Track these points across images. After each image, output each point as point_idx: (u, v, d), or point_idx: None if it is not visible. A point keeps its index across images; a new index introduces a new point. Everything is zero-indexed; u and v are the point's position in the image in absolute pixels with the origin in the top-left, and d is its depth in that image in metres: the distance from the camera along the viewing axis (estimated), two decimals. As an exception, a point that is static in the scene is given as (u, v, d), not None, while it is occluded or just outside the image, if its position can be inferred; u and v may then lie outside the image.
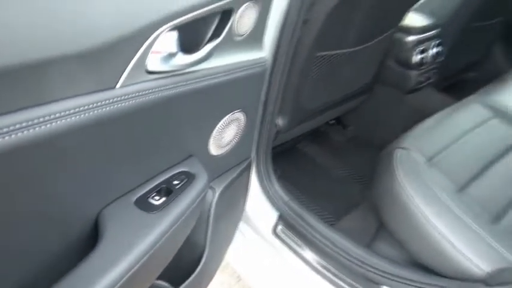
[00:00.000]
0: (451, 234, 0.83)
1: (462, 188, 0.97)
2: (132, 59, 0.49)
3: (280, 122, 1.25)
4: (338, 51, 1.15)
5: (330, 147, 1.67)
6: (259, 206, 1.05)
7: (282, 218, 1.05)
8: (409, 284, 0.81)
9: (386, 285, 0.84)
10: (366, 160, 1.42)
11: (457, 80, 1.92)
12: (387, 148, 1.09)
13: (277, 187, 1.05)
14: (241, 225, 1.14)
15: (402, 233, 0.93)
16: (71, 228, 0.53)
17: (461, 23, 1.50)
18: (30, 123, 0.41)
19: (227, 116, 0.72)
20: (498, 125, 1.19)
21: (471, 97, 1.32)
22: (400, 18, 1.31)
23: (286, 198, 1.05)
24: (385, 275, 0.84)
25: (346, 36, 1.13)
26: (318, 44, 1.07)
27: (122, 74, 0.49)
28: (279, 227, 1.05)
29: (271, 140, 1.06)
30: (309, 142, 1.66)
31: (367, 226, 1.16)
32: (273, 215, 1.06)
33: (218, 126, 0.71)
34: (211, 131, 0.70)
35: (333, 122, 1.73)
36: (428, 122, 1.18)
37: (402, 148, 1.04)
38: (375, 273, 0.85)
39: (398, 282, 0.82)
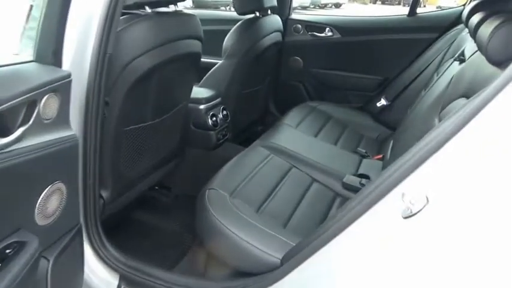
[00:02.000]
0: (254, 241, 1.10)
1: (259, 208, 1.28)
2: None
3: (104, 193, 1.36)
4: (141, 125, 1.37)
5: (160, 209, 1.84)
6: (98, 271, 1.12)
7: (123, 278, 1.15)
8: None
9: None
10: (192, 211, 1.64)
11: (250, 133, 2.39)
12: (201, 191, 1.34)
13: (112, 251, 1.15)
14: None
15: (222, 253, 1.15)
16: None
17: (235, 92, 1.95)
18: None
19: (48, 188, 0.83)
20: (276, 159, 1.59)
21: (256, 142, 1.72)
22: (188, 93, 1.64)
23: (123, 259, 1.16)
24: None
25: (146, 112, 1.37)
26: (122, 120, 1.28)
27: None
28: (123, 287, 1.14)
29: (98, 209, 1.17)
30: (140, 210, 1.79)
31: (200, 260, 1.35)
32: (114, 278, 1.14)
33: (41, 197, 0.81)
34: (35, 203, 0.80)
35: (157, 187, 1.91)
36: (228, 166, 1.50)
37: (211, 189, 1.30)
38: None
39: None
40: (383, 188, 0.76)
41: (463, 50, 1.49)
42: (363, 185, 1.48)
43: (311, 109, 2.18)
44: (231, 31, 1.90)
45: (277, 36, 2.11)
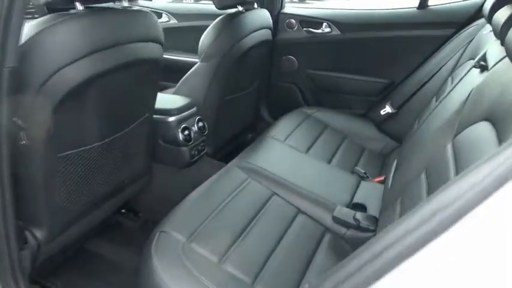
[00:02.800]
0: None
1: (222, 258, 1.01)
2: None
3: (37, 233, 1.12)
4: (83, 148, 1.12)
5: (124, 238, 1.59)
6: None
7: None
8: None
9: None
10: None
11: (239, 142, 2.12)
12: (153, 232, 1.08)
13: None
14: None
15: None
16: None
17: (215, 99, 1.68)
18: None
19: None
20: (253, 185, 1.32)
21: (232, 162, 1.45)
22: (149, 105, 1.38)
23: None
24: None
25: (88, 132, 1.12)
26: (54, 146, 1.03)
27: None
28: None
29: (26, 262, 0.93)
30: (99, 239, 1.55)
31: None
32: None
33: None
34: None
35: (124, 210, 1.67)
36: (192, 196, 1.23)
37: (162, 231, 1.04)
38: None
39: None
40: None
41: (485, 53, 1.19)
42: (357, 220, 1.20)
43: (305, 116, 1.90)
44: (208, 29, 1.63)
45: (265, 34, 1.82)
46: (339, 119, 1.94)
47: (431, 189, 0.94)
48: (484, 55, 1.17)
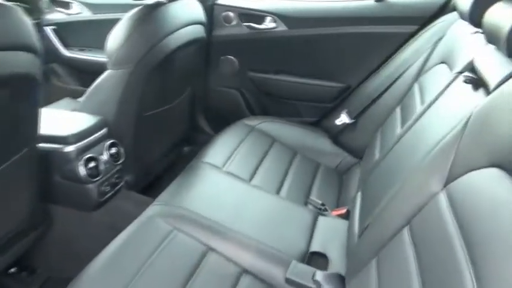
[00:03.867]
0: None
1: None
2: None
3: None
4: None
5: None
6: None
7: None
8: None
9: None
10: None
11: (170, 160, 1.76)
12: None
13: None
14: None
15: None
16: None
17: (131, 116, 1.31)
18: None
19: None
20: (181, 239, 0.99)
21: (150, 209, 1.10)
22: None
23: None
24: None
25: None
26: None
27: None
28: None
29: None
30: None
31: None
32: None
33: None
34: None
35: (14, 269, 1.26)
36: (106, 254, 0.90)
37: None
38: None
39: None
40: None
41: (472, 62, 0.93)
42: (317, 283, 0.91)
43: (249, 130, 1.58)
44: (117, 26, 1.25)
45: (197, 30, 1.47)
46: (289, 131, 1.65)
47: (423, 263, 0.66)
48: (472, 65, 0.91)
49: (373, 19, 1.57)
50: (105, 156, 1.22)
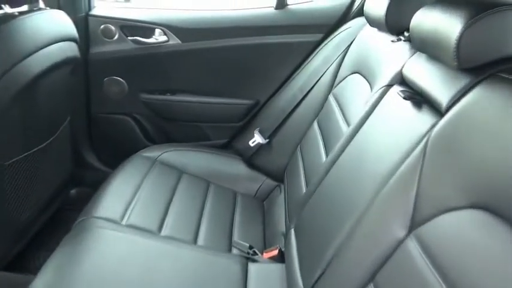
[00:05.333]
0: None
1: None
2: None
3: None
4: None
5: None
6: None
7: None
8: None
9: None
10: None
11: (51, 214, 1.40)
12: None
13: None
14: None
15: None
16: None
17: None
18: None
19: None
20: None
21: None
22: None
23: None
24: None
25: None
26: None
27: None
28: None
29: None
30: None
31: None
32: None
33: None
34: None
35: None
36: None
37: None
38: None
39: None
40: None
41: (400, 73, 0.83)
42: None
43: (149, 163, 1.33)
44: None
45: (66, 49, 1.15)
46: (197, 158, 1.43)
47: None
48: (401, 77, 0.81)
49: (275, 28, 1.44)
50: None
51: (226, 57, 1.47)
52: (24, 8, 1.05)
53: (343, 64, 1.24)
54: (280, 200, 1.30)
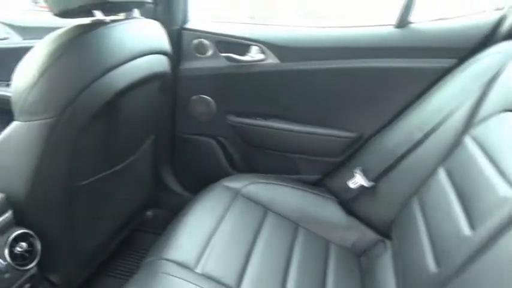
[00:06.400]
0: None
1: None
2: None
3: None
4: None
5: None
6: None
7: None
8: None
9: None
10: None
11: (124, 236, 1.30)
12: None
13: None
14: None
15: None
16: None
17: (57, 189, 0.87)
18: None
19: None
20: None
21: None
22: None
23: None
24: None
25: None
26: None
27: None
28: None
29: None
30: None
31: None
32: None
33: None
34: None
35: None
36: None
37: None
38: None
39: None
40: None
41: None
42: None
43: (232, 195, 1.16)
44: (27, 57, 0.81)
45: (157, 63, 1.04)
46: (285, 194, 1.24)
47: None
48: None
49: (393, 50, 1.20)
50: (6, 257, 0.75)
51: (329, 82, 1.27)
52: (118, 15, 0.95)
53: (487, 99, 0.96)
54: (385, 260, 1.04)
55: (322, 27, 1.31)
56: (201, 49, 1.32)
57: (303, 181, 1.35)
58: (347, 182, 1.21)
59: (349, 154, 1.30)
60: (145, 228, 1.51)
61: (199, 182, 1.30)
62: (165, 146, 1.45)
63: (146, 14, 1.12)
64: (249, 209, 1.14)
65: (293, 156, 1.37)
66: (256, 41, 1.28)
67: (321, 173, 1.36)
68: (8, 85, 1.59)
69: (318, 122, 1.31)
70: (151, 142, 1.23)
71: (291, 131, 1.33)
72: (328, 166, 1.34)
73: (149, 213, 1.52)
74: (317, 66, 1.26)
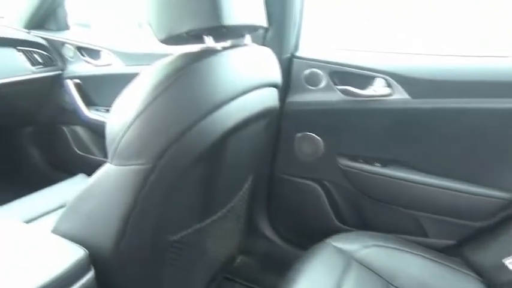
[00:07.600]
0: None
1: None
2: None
3: None
4: None
5: None
6: None
7: None
8: None
9: None
10: None
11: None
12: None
13: None
14: None
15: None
16: None
17: (146, 244, 0.73)
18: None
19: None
20: None
21: None
22: None
23: None
24: None
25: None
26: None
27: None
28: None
29: None
30: None
31: None
32: None
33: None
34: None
35: None
36: None
37: None
38: None
39: None
40: None
41: None
42: None
43: (344, 261, 0.94)
44: (126, 92, 0.70)
45: (267, 97, 0.87)
46: (411, 264, 0.98)
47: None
48: None
49: None
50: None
51: (475, 126, 1.00)
52: (229, 42, 0.81)
53: None
54: None
55: (467, 56, 1.05)
56: (312, 80, 1.14)
57: (430, 246, 1.07)
58: (499, 258, 0.91)
59: (500, 220, 1.00)
60: (233, 276, 1.35)
61: (296, 229, 1.11)
62: (261, 186, 1.29)
63: (256, 41, 0.98)
64: (366, 281, 0.91)
65: (419, 215, 1.11)
66: (382, 72, 1.06)
67: (455, 238, 1.07)
68: (107, 111, 1.58)
69: (456, 176, 1.03)
70: (248, 185, 1.07)
71: (419, 183, 1.07)
72: (466, 231, 1.05)
73: (239, 260, 1.36)
74: (460, 105, 1.00)
